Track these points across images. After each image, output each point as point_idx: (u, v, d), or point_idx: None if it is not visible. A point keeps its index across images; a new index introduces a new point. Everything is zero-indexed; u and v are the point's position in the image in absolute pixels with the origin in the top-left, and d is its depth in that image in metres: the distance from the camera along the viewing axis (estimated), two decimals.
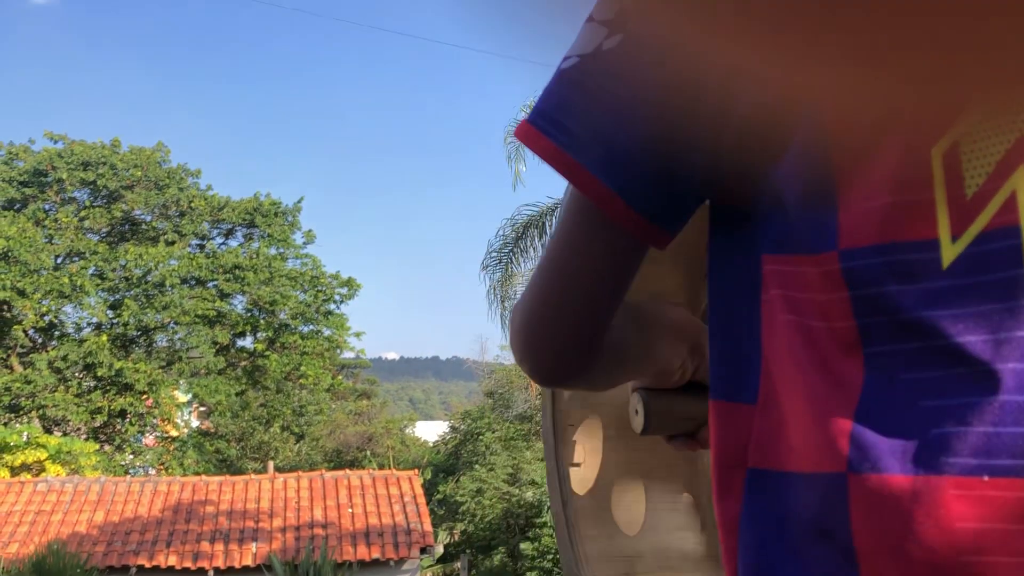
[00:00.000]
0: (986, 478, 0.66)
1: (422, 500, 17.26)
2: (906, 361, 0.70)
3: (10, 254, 25.27)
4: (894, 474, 0.68)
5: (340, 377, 30.28)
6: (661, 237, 0.84)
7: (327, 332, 28.88)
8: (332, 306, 29.09)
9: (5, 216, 26.27)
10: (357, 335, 29.75)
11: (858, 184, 0.72)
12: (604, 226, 0.83)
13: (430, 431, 35.91)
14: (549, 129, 0.83)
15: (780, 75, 0.38)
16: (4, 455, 19.57)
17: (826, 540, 0.71)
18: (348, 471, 18.58)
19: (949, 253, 0.70)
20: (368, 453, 27.63)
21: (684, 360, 1.05)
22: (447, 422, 31.92)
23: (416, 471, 18.92)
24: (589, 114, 0.81)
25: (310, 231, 29.69)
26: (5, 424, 22.76)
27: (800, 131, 0.75)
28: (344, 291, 29.19)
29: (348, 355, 30.54)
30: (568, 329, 0.88)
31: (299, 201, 29.63)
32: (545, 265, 0.87)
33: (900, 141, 0.70)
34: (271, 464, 20.57)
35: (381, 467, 23.08)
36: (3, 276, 25.06)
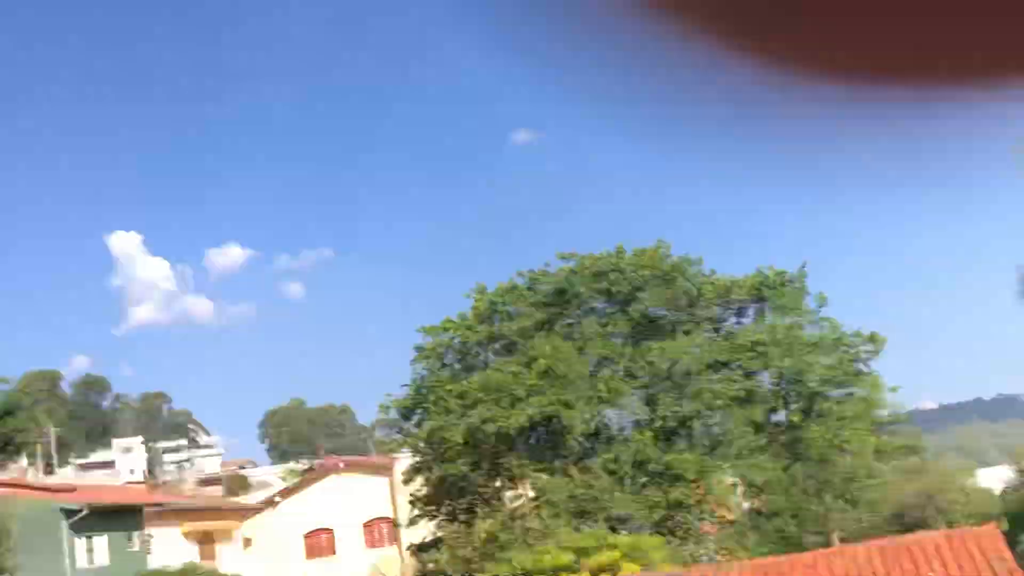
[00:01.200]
0: None
1: (1008, 555, 15.91)
2: None
3: (550, 371, 27.43)
4: None
5: (884, 437, 29.16)
6: None
7: (860, 393, 28.02)
8: (859, 365, 28.25)
9: (539, 337, 28.66)
10: (893, 389, 28.59)
11: None
12: None
13: (991, 479, 33.36)
14: None
15: None
16: (581, 558, 20.92)
17: None
18: (917, 533, 17.66)
19: None
20: (931, 511, 26.13)
21: None
22: (1011, 467, 29.52)
23: (994, 524, 17.53)
24: None
25: (821, 293, 29.30)
26: (576, 529, 24.37)
27: None
28: (869, 347, 28.27)
29: (881, 411, 29.41)
30: None
31: (803, 266, 29.44)
32: None
33: None
34: (834, 536, 20.11)
35: (949, 525, 21.67)
36: (549, 392, 27.21)
